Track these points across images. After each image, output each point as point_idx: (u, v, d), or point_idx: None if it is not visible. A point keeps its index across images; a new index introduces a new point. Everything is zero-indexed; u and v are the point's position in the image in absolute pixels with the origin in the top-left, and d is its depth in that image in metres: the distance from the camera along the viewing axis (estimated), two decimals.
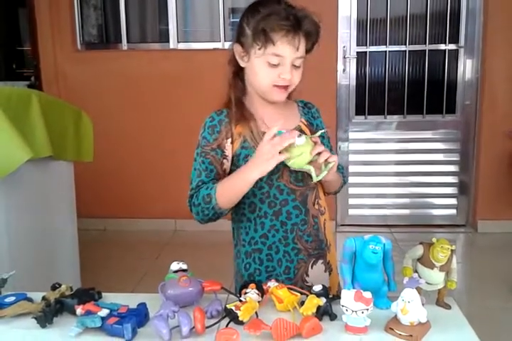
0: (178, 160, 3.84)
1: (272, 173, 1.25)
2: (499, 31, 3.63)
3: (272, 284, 1.12)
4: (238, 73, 1.30)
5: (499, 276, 3.06)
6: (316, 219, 1.33)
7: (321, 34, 1.24)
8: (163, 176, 3.92)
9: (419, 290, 1.06)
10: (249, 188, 1.20)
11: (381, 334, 1.01)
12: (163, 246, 3.64)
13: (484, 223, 3.83)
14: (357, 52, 3.81)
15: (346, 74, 3.84)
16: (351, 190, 3.92)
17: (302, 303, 1.06)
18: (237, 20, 1.27)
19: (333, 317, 1.05)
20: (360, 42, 3.81)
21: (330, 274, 1.38)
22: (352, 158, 3.90)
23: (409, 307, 0.97)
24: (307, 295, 1.08)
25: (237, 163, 1.27)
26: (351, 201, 3.98)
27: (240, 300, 1.06)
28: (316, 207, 1.34)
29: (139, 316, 1.03)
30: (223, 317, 1.05)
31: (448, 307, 1.11)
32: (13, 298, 1.12)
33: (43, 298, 1.11)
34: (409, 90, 3.86)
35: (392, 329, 1.00)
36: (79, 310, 1.05)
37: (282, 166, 1.26)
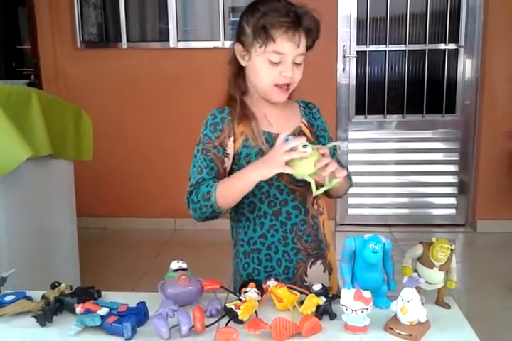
0: (177, 159, 3.84)
1: None
2: (499, 31, 3.63)
3: (271, 283, 1.12)
4: (239, 73, 1.30)
5: (498, 276, 3.06)
6: (315, 219, 1.33)
7: (321, 32, 1.24)
8: (162, 175, 3.92)
9: (418, 289, 1.06)
10: (249, 190, 1.18)
11: (381, 333, 1.01)
12: (163, 245, 3.65)
13: (484, 223, 3.83)
14: (357, 52, 3.81)
15: (346, 73, 3.84)
16: (351, 190, 3.90)
17: (302, 302, 1.06)
18: (237, 19, 1.27)
19: (332, 316, 1.05)
20: (360, 41, 3.81)
21: (330, 274, 1.37)
22: (351, 157, 3.89)
23: (409, 306, 0.97)
24: (307, 295, 1.08)
25: (238, 161, 1.27)
26: (351, 200, 3.98)
27: (240, 299, 1.06)
28: (316, 207, 1.34)
29: (139, 315, 1.03)
30: (223, 316, 1.05)
31: (447, 306, 1.12)
32: (12, 297, 1.12)
33: (43, 297, 1.11)
34: (408, 90, 3.86)
35: (392, 328, 1.00)
36: (78, 308, 1.05)
37: None
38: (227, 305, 1.05)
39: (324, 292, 1.10)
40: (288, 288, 1.11)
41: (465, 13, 3.73)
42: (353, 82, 3.86)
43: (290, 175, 1.27)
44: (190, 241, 3.69)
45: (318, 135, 1.36)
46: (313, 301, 1.04)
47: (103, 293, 1.17)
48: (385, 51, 3.82)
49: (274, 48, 1.19)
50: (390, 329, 1.00)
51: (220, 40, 3.85)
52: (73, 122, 2.38)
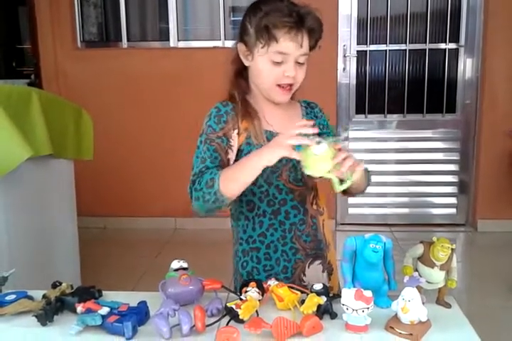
0: (178, 159, 3.84)
1: (271, 172, 1.24)
2: (500, 30, 3.63)
3: (272, 283, 1.12)
4: (242, 72, 1.30)
5: (499, 275, 3.06)
6: (314, 220, 1.33)
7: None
8: (163, 174, 3.92)
9: (419, 289, 1.06)
10: (254, 177, 1.13)
11: (381, 333, 1.01)
12: (163, 245, 3.64)
13: (484, 222, 3.83)
14: (357, 51, 3.81)
15: (346, 72, 3.84)
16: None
17: (302, 302, 1.06)
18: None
19: (333, 315, 1.05)
20: (360, 40, 3.81)
21: (331, 274, 1.37)
22: None
23: (410, 306, 0.97)
24: (307, 294, 1.08)
25: (240, 158, 1.25)
26: (351, 200, 3.98)
27: (241, 299, 1.06)
28: (315, 207, 1.34)
29: (140, 314, 1.04)
30: (224, 316, 1.05)
31: (448, 306, 1.12)
32: (13, 296, 1.12)
33: (44, 296, 1.11)
34: (409, 89, 3.86)
35: (393, 328, 1.00)
36: (79, 308, 1.05)
37: (282, 165, 1.26)
38: (228, 304, 1.05)
39: (325, 291, 1.10)
40: (289, 287, 1.11)
41: (465, 12, 3.73)
42: (354, 81, 3.86)
43: (289, 175, 1.27)
44: (190, 240, 3.69)
45: (319, 133, 1.36)
46: (314, 301, 1.04)
47: (104, 292, 1.17)
48: (386, 50, 3.82)
49: (276, 48, 1.18)
50: (390, 328, 1.00)
51: (220, 40, 3.85)
52: (73, 122, 2.38)
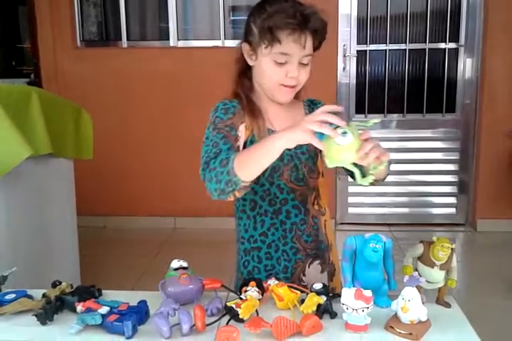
0: (177, 158, 3.86)
1: (273, 171, 1.24)
2: (499, 30, 3.63)
3: (272, 282, 1.12)
4: (246, 72, 1.30)
5: (498, 275, 3.06)
6: (315, 220, 1.33)
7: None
8: (163, 173, 3.92)
9: (419, 288, 1.06)
10: (269, 160, 1.06)
11: (381, 332, 1.01)
12: (163, 244, 3.65)
13: (483, 222, 3.83)
14: (357, 51, 3.81)
15: (346, 72, 3.84)
16: (351, 189, 3.92)
17: (302, 301, 1.06)
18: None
19: (333, 315, 1.05)
20: (360, 40, 3.81)
21: (333, 275, 1.37)
22: None
23: (410, 305, 0.97)
24: (307, 294, 1.08)
25: None
26: (351, 199, 3.98)
27: (241, 298, 1.06)
28: (316, 207, 1.33)
29: (140, 313, 1.03)
30: (223, 315, 1.05)
31: (448, 305, 1.12)
32: (13, 295, 1.12)
33: (44, 296, 1.11)
34: (409, 89, 3.86)
35: (393, 327, 1.00)
36: (79, 307, 1.05)
37: (283, 165, 1.26)
38: (227, 303, 1.05)
39: (325, 291, 1.10)
40: (289, 286, 1.11)
41: (465, 12, 3.73)
42: (354, 81, 3.86)
43: (290, 174, 1.27)
44: (190, 239, 3.69)
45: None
46: (313, 300, 1.04)
47: (104, 291, 1.17)
48: (386, 50, 3.82)
49: (279, 49, 1.18)
50: (390, 328, 1.00)
51: (220, 39, 3.85)
52: (73, 121, 2.38)
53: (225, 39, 3.83)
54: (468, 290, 2.83)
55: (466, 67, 3.79)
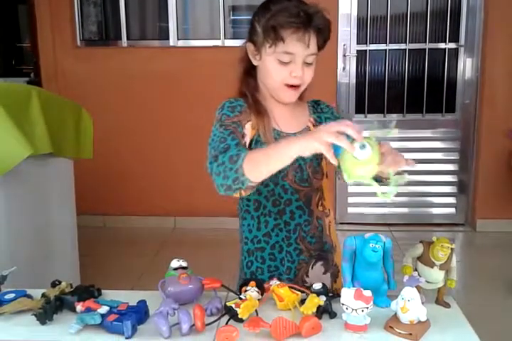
0: (178, 158, 3.86)
1: (277, 172, 1.24)
2: (499, 30, 3.63)
3: (273, 283, 1.12)
4: (250, 72, 1.29)
5: (498, 275, 3.06)
6: (320, 221, 1.33)
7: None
8: (162, 173, 3.92)
9: (418, 288, 1.07)
10: (280, 165, 1.04)
11: (381, 332, 1.01)
12: (163, 244, 3.64)
13: (483, 222, 3.83)
14: (357, 51, 3.81)
15: (346, 72, 3.84)
16: (350, 189, 3.92)
17: (303, 302, 1.06)
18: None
19: (332, 315, 1.05)
20: (360, 40, 3.81)
21: (337, 276, 1.37)
22: None
23: (409, 305, 0.97)
24: (308, 294, 1.08)
25: None
26: (350, 199, 3.98)
27: (240, 298, 1.06)
28: (321, 208, 1.33)
29: (139, 313, 1.04)
30: (223, 315, 1.05)
31: (447, 305, 1.12)
32: (12, 295, 1.12)
33: (43, 295, 1.11)
34: (408, 89, 3.86)
35: (392, 327, 1.00)
36: (79, 307, 1.05)
37: (288, 166, 1.25)
38: (227, 303, 1.05)
39: (324, 291, 1.10)
40: (289, 287, 1.10)
41: (465, 12, 3.73)
42: (353, 80, 3.86)
43: (295, 175, 1.26)
44: (189, 239, 3.69)
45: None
46: (314, 301, 1.04)
47: (103, 291, 1.17)
48: (385, 50, 3.82)
49: (283, 48, 1.18)
50: (390, 328, 1.01)
51: (220, 39, 3.84)
52: (73, 120, 2.38)
53: (224, 39, 3.83)
54: (468, 290, 2.83)
55: (466, 67, 3.79)
